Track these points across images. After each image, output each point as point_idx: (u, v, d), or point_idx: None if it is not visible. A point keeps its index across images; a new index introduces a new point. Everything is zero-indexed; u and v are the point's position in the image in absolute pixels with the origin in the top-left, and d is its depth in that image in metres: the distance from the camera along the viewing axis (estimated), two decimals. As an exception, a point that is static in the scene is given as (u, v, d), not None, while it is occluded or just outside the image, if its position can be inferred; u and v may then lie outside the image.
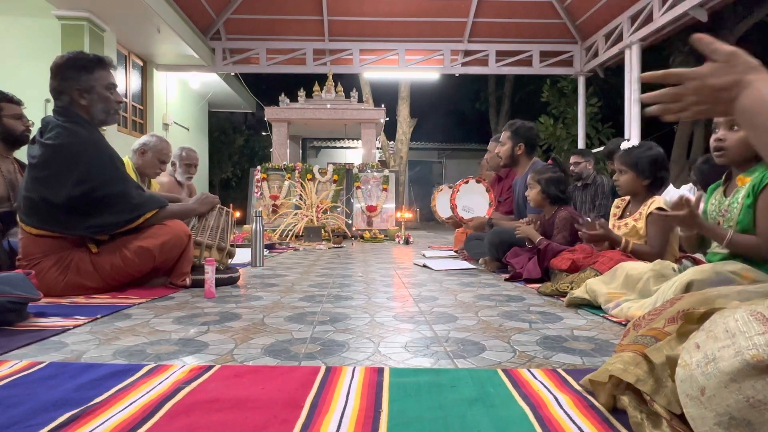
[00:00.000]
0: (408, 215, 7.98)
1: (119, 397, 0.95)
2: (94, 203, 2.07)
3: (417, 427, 0.83)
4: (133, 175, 2.97)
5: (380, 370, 1.11)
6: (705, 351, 0.62)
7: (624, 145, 2.44)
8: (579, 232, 2.34)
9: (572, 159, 4.69)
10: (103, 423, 0.84)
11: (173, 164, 4.01)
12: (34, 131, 2.50)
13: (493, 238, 3.01)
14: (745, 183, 1.68)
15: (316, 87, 8.51)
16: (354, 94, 8.54)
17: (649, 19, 6.50)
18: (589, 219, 2.30)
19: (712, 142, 1.70)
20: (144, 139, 3.31)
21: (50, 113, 2.18)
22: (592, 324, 1.62)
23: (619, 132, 7.74)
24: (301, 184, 6.91)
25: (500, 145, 3.46)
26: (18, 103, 2.66)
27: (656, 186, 2.27)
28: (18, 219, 2.09)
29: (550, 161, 3.10)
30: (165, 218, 2.26)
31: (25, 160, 2.73)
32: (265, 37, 8.51)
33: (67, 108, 2.14)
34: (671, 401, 0.73)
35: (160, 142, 3.32)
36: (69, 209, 2.04)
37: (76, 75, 2.12)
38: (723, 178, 1.85)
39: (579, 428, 0.82)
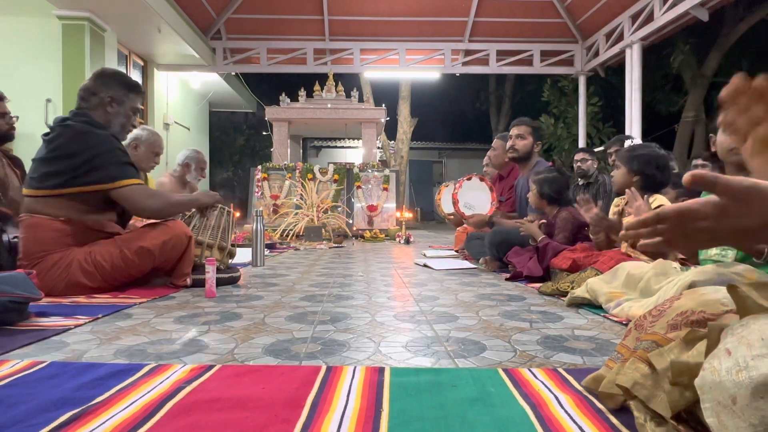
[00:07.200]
0: (408, 215, 7.97)
1: (120, 397, 0.95)
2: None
3: (418, 426, 0.83)
4: None
5: (381, 370, 1.11)
6: (737, 358, 0.60)
7: (627, 143, 2.46)
8: (589, 217, 2.34)
9: (579, 156, 4.66)
10: (104, 422, 0.84)
11: (187, 165, 3.98)
12: (29, 128, 2.50)
13: (494, 238, 3.01)
14: None
15: (317, 87, 8.50)
16: (354, 93, 8.54)
17: (649, 18, 6.50)
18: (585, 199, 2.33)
19: (730, 142, 1.67)
20: (135, 133, 3.26)
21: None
22: (592, 323, 1.62)
23: (620, 131, 7.73)
24: (302, 183, 6.91)
25: (518, 138, 3.43)
26: (0, 98, 2.64)
27: (649, 184, 2.28)
28: (30, 192, 2.11)
29: (551, 163, 3.10)
30: (152, 195, 2.26)
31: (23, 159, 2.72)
32: (265, 36, 8.52)
33: (85, 112, 2.22)
34: (666, 407, 0.73)
35: (152, 135, 3.31)
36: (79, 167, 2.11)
37: (116, 86, 2.28)
38: None
39: (580, 428, 0.82)
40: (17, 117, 2.70)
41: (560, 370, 1.12)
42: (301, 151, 13.07)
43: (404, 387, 1.01)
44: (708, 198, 0.65)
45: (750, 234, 0.65)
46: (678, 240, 0.69)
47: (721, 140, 1.70)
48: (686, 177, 0.64)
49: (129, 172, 2.20)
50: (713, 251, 1.73)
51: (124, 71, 7.31)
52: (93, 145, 2.12)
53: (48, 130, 2.20)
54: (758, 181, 0.64)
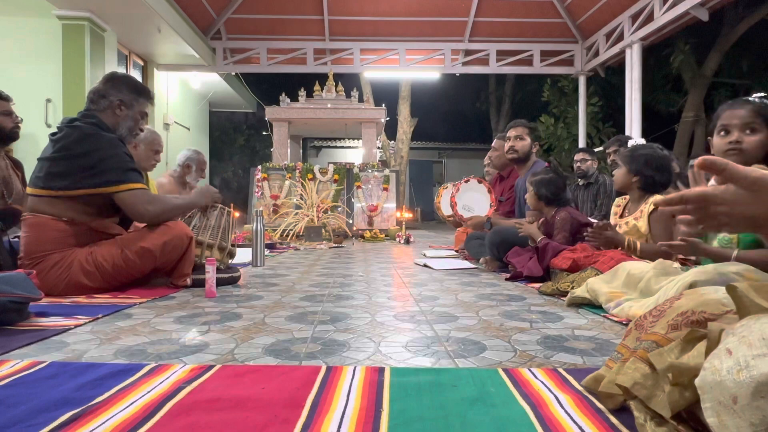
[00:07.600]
0: (408, 215, 7.97)
1: (120, 397, 0.95)
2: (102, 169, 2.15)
3: (418, 426, 0.83)
4: None
5: (381, 370, 1.11)
6: (737, 357, 0.60)
7: (631, 143, 2.47)
8: (584, 235, 2.34)
9: (579, 156, 4.68)
10: (104, 423, 0.84)
11: (188, 166, 3.97)
12: (29, 128, 2.50)
13: (494, 238, 3.01)
14: None
15: (317, 86, 8.50)
16: (354, 93, 8.54)
17: (649, 18, 6.50)
18: (595, 221, 2.32)
19: (724, 144, 1.67)
20: None
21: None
22: (592, 323, 1.62)
23: (620, 131, 7.73)
24: (302, 183, 6.91)
25: (517, 139, 3.49)
26: (6, 99, 2.62)
27: (648, 185, 2.28)
28: (34, 191, 2.11)
29: (547, 164, 3.11)
30: (152, 201, 2.24)
31: (23, 159, 2.70)
32: (265, 36, 8.51)
33: (93, 114, 2.23)
34: (666, 407, 0.73)
35: (151, 134, 3.30)
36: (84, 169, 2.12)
37: (126, 90, 2.31)
38: None
39: (580, 428, 0.82)
40: (22, 119, 2.70)
41: (560, 370, 1.12)
42: (301, 151, 13.07)
43: (404, 387, 1.01)
44: (727, 185, 0.70)
45: (760, 222, 0.70)
46: (704, 220, 0.74)
47: (717, 142, 1.71)
48: (698, 160, 0.69)
49: (132, 176, 2.20)
50: (721, 234, 1.72)
51: (125, 71, 7.32)
52: (99, 148, 2.12)
53: (51, 129, 2.20)
54: (766, 173, 0.68)
